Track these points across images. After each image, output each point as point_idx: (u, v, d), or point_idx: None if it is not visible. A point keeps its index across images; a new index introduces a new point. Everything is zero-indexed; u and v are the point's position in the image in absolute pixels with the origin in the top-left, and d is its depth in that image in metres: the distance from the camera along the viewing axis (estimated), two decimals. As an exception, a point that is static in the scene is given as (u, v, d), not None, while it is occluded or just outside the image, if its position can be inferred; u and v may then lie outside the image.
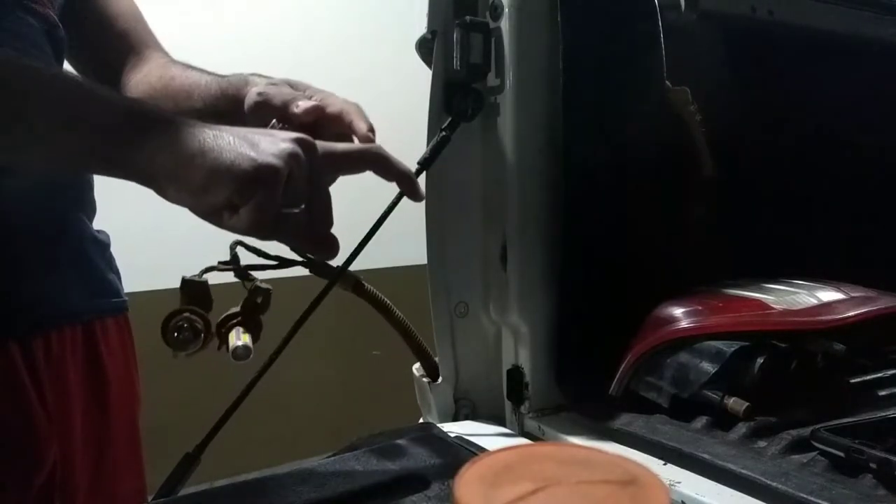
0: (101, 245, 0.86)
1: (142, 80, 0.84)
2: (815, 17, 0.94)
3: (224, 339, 0.68)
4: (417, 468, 0.57)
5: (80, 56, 0.86)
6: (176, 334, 0.67)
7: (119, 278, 0.88)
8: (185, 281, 0.69)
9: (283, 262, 0.69)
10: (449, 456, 0.60)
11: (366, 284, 0.74)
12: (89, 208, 0.84)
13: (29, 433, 0.73)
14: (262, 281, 0.70)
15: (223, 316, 0.69)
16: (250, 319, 0.69)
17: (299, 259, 0.69)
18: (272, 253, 0.69)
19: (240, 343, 0.66)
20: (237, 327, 0.68)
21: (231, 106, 0.74)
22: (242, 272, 0.69)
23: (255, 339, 0.68)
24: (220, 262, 0.69)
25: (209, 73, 0.80)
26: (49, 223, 0.76)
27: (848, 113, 0.93)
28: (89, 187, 0.84)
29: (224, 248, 0.73)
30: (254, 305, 0.70)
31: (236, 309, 0.70)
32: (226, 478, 0.67)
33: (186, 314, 0.67)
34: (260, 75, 0.75)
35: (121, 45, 0.86)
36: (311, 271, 0.70)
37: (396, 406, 0.95)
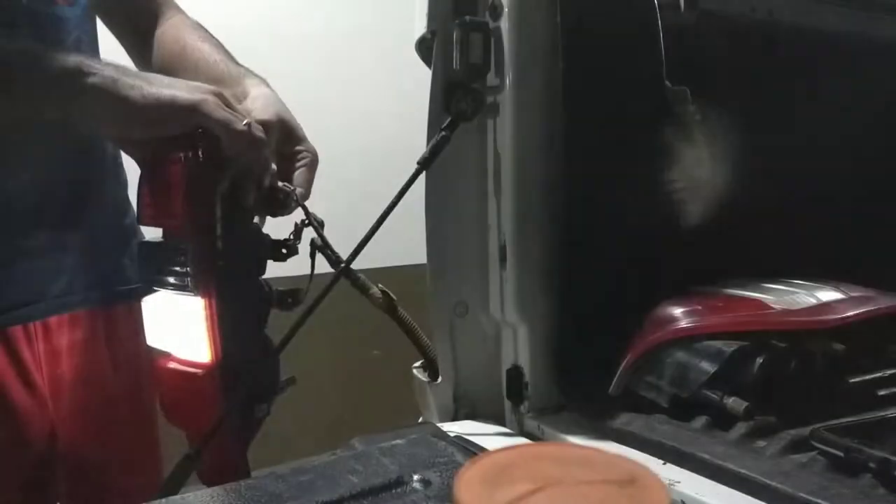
0: (123, 236, 0.88)
1: (159, 44, 0.86)
2: (814, 17, 0.94)
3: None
4: (417, 468, 0.57)
5: (114, 21, 0.89)
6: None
7: None
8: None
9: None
10: (449, 456, 0.60)
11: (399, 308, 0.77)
12: (112, 203, 0.88)
13: (29, 409, 0.78)
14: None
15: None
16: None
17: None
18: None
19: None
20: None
21: None
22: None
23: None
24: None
25: (217, 51, 0.81)
26: (59, 214, 0.81)
27: (848, 113, 0.93)
28: (114, 186, 0.88)
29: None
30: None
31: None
32: (226, 478, 0.67)
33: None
34: (252, 73, 0.78)
35: (148, 7, 0.88)
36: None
37: (396, 406, 0.95)
